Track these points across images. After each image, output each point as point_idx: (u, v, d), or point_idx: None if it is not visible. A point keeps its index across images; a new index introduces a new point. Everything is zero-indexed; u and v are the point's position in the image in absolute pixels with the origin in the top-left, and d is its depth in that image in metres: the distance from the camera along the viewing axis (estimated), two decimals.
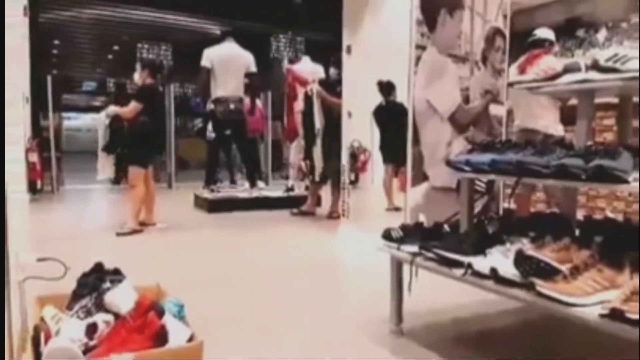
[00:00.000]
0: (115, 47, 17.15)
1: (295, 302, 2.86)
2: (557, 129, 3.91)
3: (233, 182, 7.62)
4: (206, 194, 6.27)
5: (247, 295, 2.96)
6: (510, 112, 4.03)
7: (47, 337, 1.61)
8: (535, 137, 3.71)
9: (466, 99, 3.57)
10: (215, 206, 6.01)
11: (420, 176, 3.41)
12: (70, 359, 1.48)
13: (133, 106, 4.74)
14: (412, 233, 2.21)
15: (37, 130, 7.83)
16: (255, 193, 6.39)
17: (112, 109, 5.10)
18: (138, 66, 5.03)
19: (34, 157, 6.78)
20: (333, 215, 5.50)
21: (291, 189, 6.74)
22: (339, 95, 5.46)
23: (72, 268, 2.05)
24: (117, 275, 1.93)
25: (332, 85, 5.60)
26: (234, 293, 3.00)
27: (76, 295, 1.85)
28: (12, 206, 1.71)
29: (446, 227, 2.24)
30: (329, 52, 6.46)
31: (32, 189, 6.86)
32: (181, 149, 10.04)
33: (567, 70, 2.05)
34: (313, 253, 4.15)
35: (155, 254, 4.12)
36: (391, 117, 5.98)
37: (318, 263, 3.79)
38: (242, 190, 6.63)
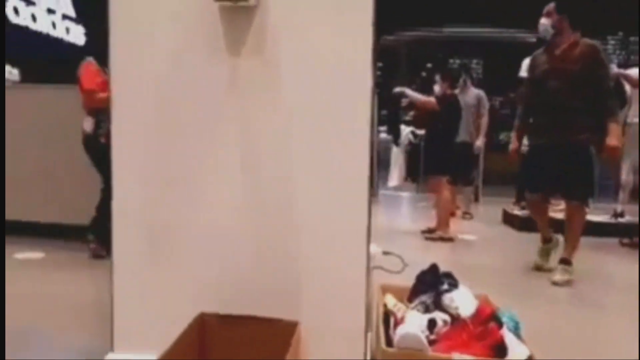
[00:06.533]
0: (428, 65, 18.29)
1: None
2: None
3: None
4: (517, 211, 5.99)
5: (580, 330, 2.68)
6: None
7: (396, 322, 1.82)
8: None
9: None
10: (526, 225, 5.66)
11: None
12: (419, 346, 1.63)
13: (428, 99, 5.02)
14: None
15: None
16: None
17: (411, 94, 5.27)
18: (438, 77, 5.24)
19: None
20: None
21: (620, 214, 5.77)
22: None
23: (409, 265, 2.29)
24: (451, 279, 2.02)
25: None
26: (564, 324, 2.76)
27: (416, 290, 2.03)
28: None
29: None
30: None
31: None
32: (487, 162, 9.88)
33: None
34: None
35: (460, 263, 4.14)
36: None
37: None
38: (559, 210, 6.04)
